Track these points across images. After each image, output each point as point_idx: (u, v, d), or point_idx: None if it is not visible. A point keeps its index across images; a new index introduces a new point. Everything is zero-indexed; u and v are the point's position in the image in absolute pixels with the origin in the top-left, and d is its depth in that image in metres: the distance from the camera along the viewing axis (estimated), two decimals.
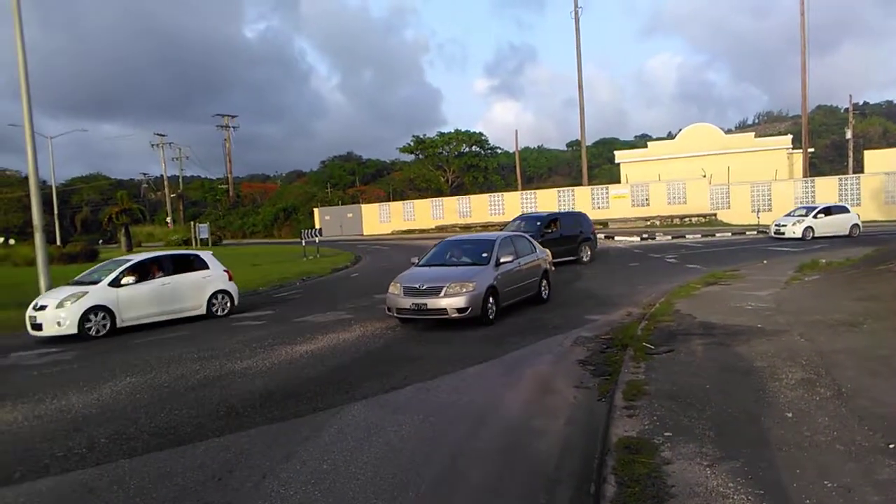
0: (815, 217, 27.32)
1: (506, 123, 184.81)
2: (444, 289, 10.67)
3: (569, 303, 13.09)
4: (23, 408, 7.31)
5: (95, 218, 77.71)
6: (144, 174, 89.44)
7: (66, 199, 78.37)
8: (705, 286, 13.42)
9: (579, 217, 22.31)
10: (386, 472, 4.97)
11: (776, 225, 28.49)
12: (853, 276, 13.40)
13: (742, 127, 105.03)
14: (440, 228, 48.23)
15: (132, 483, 4.99)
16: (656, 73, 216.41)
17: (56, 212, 56.99)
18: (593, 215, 42.37)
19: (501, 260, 11.82)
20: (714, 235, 31.75)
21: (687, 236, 31.71)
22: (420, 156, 69.48)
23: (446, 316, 10.62)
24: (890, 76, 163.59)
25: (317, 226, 50.20)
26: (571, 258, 20.43)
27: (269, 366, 8.78)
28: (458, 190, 63.37)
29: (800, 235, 26.58)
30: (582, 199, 44.13)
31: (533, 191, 50.30)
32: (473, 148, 68.47)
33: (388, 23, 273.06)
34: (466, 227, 46.68)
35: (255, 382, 7.91)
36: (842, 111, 78.49)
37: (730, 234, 32.31)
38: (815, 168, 54.21)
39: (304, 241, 32.19)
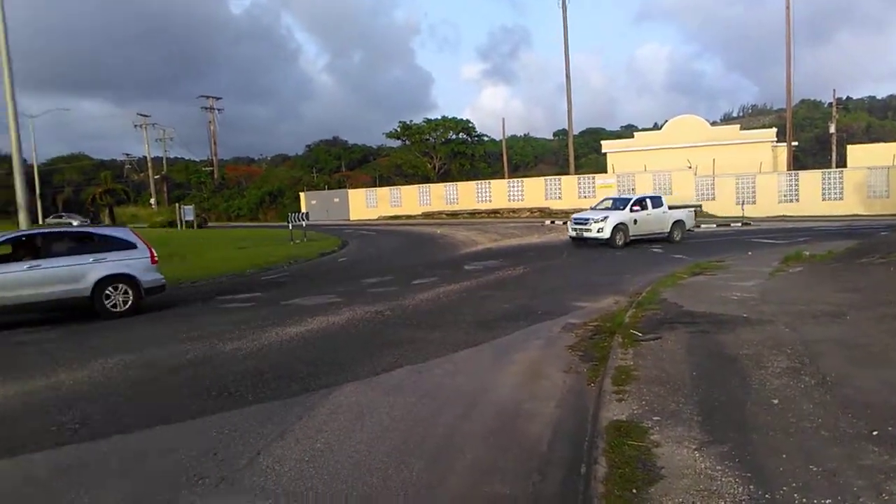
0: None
1: (494, 110, 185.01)
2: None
3: (557, 290, 13.20)
4: (12, 384, 7.29)
5: (77, 198, 76.86)
6: (127, 155, 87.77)
7: (48, 179, 77.26)
8: (691, 276, 13.58)
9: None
10: (380, 451, 5.04)
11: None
12: (836, 268, 13.61)
13: (727, 119, 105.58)
14: (427, 215, 48.23)
15: (128, 457, 5.02)
16: (646, 63, 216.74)
17: (38, 191, 56.18)
18: (580, 204, 42.66)
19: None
20: (699, 226, 32.02)
21: None
22: (407, 142, 69.21)
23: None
24: (874, 72, 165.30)
25: (303, 210, 50.00)
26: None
27: (258, 347, 8.79)
28: (445, 177, 63.21)
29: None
30: (569, 188, 44.30)
31: (520, 179, 50.42)
32: (460, 135, 68.28)
33: (379, 1, 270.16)
34: (453, 214, 46.72)
35: (246, 363, 7.92)
36: (826, 105, 79.12)
37: (714, 225, 32.61)
38: (798, 161, 54.71)
39: (290, 225, 32.05)
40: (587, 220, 21.11)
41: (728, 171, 41.65)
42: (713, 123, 62.28)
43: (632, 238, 21.03)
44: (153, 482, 4.60)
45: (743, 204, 36.60)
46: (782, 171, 42.12)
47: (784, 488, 3.84)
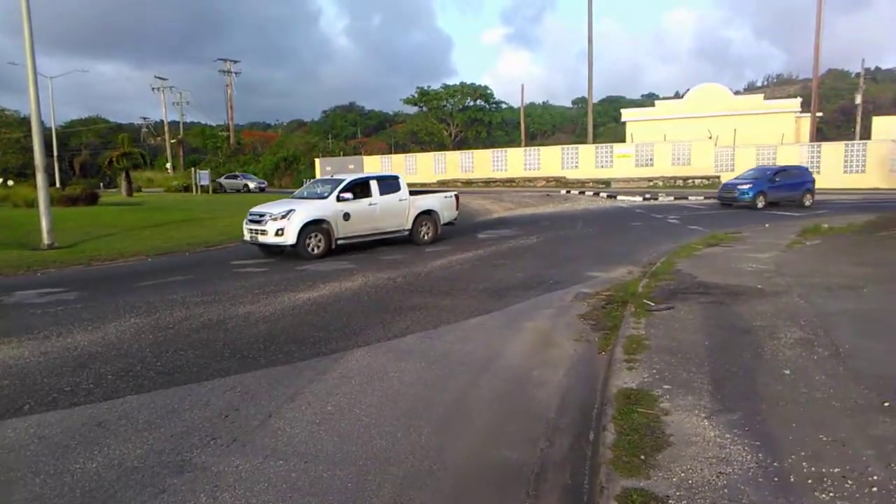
0: None
1: (513, 77, 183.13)
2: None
3: (570, 259, 13.15)
4: (29, 344, 7.39)
5: (94, 161, 77.12)
6: (145, 118, 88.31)
7: (65, 141, 77.62)
8: (706, 247, 13.47)
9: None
10: (390, 414, 5.08)
11: None
12: (855, 241, 13.45)
13: (752, 89, 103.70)
14: (442, 182, 47.93)
15: (140, 418, 5.10)
16: (673, 28, 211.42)
17: (56, 154, 56.51)
18: (596, 174, 42.37)
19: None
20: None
21: (690, 197, 31.63)
22: (424, 108, 68.76)
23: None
24: None
25: (318, 176, 49.95)
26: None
27: (271, 311, 8.85)
28: (461, 144, 62.92)
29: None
30: (586, 158, 43.85)
31: (536, 147, 49.96)
32: (478, 102, 67.68)
33: None
34: (468, 182, 46.51)
35: (259, 327, 7.99)
36: (853, 76, 77.49)
37: None
38: (821, 133, 53.76)
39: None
40: (263, 215, 14.02)
41: (750, 143, 41.04)
42: (737, 93, 61.14)
43: (342, 242, 14.35)
44: (165, 442, 4.66)
45: None
46: (805, 142, 41.35)
47: (792, 457, 3.83)
